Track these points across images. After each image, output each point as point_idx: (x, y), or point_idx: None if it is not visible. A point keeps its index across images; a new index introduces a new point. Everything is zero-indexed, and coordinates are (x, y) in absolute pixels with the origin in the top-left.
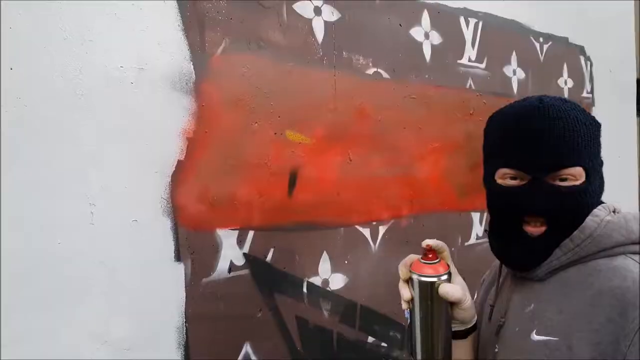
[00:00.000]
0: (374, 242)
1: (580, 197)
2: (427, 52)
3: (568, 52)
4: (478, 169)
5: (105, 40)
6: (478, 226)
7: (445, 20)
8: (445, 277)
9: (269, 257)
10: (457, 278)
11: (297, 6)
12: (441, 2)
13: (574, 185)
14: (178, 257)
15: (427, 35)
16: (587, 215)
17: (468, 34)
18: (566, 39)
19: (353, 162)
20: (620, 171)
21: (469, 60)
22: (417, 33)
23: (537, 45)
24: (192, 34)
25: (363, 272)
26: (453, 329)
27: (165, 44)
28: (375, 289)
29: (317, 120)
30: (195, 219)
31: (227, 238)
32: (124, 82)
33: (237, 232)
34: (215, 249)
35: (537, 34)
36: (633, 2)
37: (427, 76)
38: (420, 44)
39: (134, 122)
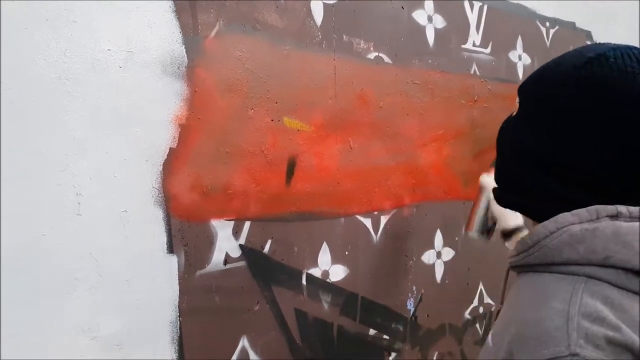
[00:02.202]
0: (376, 233)
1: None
2: (431, 36)
3: (575, 38)
4: (482, 156)
5: (91, 21)
6: None
7: (449, 3)
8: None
9: (266, 249)
10: None
11: None
12: None
13: None
14: (171, 249)
15: (430, 19)
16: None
17: (472, 17)
18: (573, 23)
19: (353, 150)
20: None
21: (474, 45)
22: (420, 16)
23: (544, 30)
24: (184, 16)
25: (364, 263)
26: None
27: (156, 26)
28: (377, 281)
29: (316, 106)
30: (188, 209)
31: (222, 229)
32: (111, 66)
33: (232, 222)
34: (209, 240)
35: (544, 19)
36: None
37: (430, 61)
38: (424, 27)
39: (122, 108)
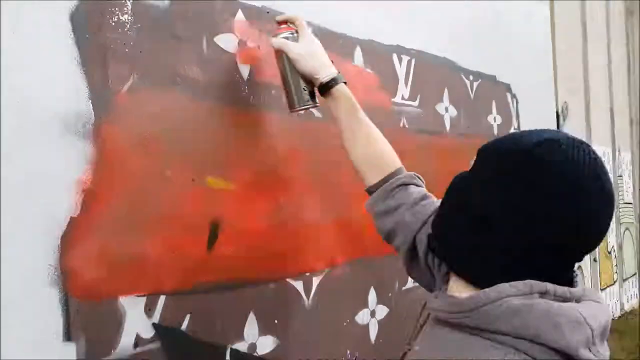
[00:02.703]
0: (307, 296)
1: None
2: (360, 90)
3: (496, 90)
4: None
5: None
6: None
7: (379, 57)
8: (283, 37)
9: (184, 325)
10: (305, 40)
11: (219, 39)
12: (374, 39)
13: None
14: (68, 336)
15: (360, 73)
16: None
17: (401, 71)
18: (494, 77)
19: (283, 209)
20: None
21: (402, 98)
22: (349, 71)
23: (468, 82)
24: (92, 69)
25: (296, 331)
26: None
27: (58, 81)
28: (310, 348)
29: (243, 164)
30: (91, 287)
31: (133, 307)
32: (3, 124)
33: (144, 298)
34: (117, 321)
35: (468, 72)
36: (551, 42)
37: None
38: (353, 82)
39: (15, 173)
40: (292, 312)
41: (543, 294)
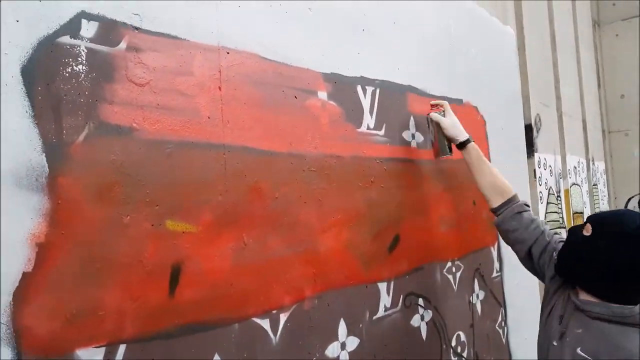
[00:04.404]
0: (275, 334)
1: None
2: (325, 123)
3: (464, 112)
4: (381, 235)
5: None
6: (386, 297)
7: (343, 89)
8: (437, 114)
9: None
10: (450, 116)
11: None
12: (337, 72)
13: None
14: None
15: (324, 106)
16: None
17: (366, 102)
18: (460, 100)
19: (248, 246)
20: None
21: (368, 127)
22: (313, 105)
23: None
24: (45, 121)
25: None
26: (455, 142)
27: (8, 135)
28: None
29: (204, 205)
30: (47, 343)
31: (91, 358)
32: None
33: (103, 349)
34: None
35: (434, 98)
36: (517, 63)
37: (326, 147)
38: (317, 115)
39: None
40: (259, 351)
41: None
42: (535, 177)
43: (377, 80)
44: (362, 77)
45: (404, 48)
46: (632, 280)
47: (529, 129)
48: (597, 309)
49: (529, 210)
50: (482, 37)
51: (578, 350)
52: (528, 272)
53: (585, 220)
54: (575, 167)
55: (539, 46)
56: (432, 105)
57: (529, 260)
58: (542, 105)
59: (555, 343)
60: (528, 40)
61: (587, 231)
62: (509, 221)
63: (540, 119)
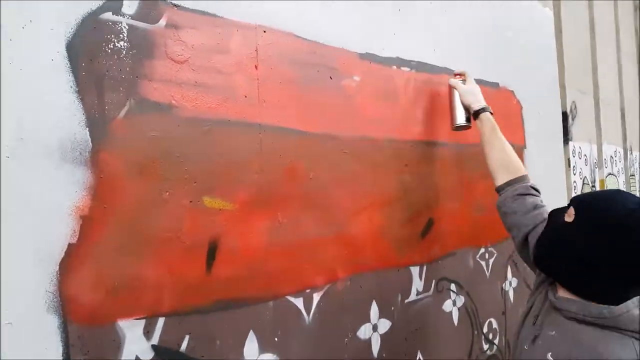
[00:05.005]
0: (308, 313)
1: None
2: (360, 104)
3: (500, 96)
4: (414, 220)
5: None
6: (418, 281)
7: (380, 69)
8: (456, 80)
9: (183, 346)
10: (470, 84)
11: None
12: (373, 52)
13: None
14: None
15: (359, 86)
16: None
17: (401, 83)
18: (497, 84)
19: (282, 226)
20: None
21: (403, 110)
22: (349, 84)
23: None
24: (88, 96)
25: (296, 348)
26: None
27: (53, 108)
28: None
29: (240, 183)
30: (90, 312)
31: (132, 329)
32: (2, 153)
33: (143, 321)
34: (116, 344)
35: None
36: (556, 43)
37: (360, 129)
38: (353, 96)
39: (12, 202)
40: (293, 330)
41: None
42: (569, 166)
43: (413, 61)
44: (398, 57)
45: (440, 29)
46: (615, 277)
47: (564, 116)
48: (574, 308)
49: (537, 196)
50: (519, 19)
51: (548, 355)
52: None
53: (568, 202)
54: (611, 157)
55: (577, 31)
56: (456, 75)
57: (524, 249)
58: (579, 92)
59: (526, 347)
60: (565, 25)
61: (570, 216)
62: (509, 202)
63: (576, 106)
